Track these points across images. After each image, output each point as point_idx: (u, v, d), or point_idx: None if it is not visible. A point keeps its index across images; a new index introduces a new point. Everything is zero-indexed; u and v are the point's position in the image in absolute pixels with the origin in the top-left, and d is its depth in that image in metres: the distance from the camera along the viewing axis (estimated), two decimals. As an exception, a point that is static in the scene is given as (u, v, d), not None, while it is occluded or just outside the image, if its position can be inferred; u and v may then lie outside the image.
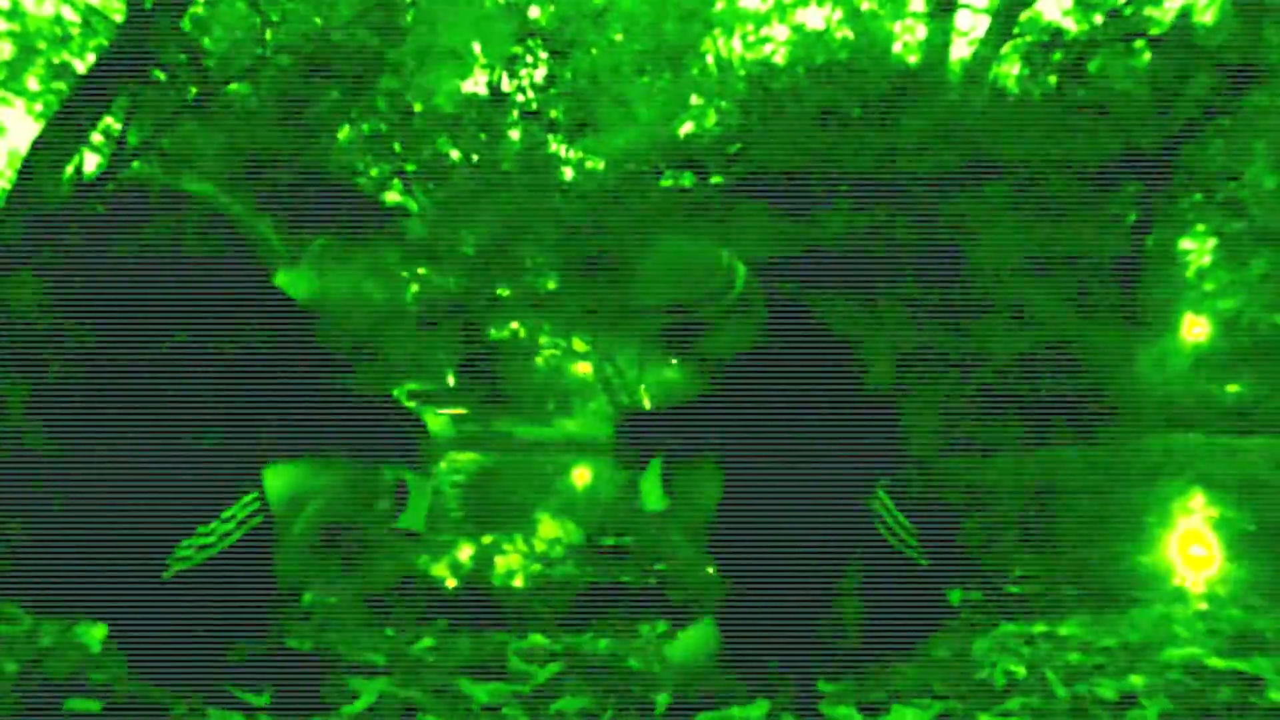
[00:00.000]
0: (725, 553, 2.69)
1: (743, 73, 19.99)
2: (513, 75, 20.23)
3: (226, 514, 2.25)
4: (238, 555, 2.25)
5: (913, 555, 2.53)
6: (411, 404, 2.76)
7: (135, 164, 12.39)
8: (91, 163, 13.72)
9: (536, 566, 5.85)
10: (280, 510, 2.31)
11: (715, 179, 17.09)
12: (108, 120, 13.55)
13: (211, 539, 2.24)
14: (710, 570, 2.83)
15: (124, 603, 2.27)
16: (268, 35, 14.06)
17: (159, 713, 2.18)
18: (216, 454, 2.30)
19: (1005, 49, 18.55)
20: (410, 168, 19.04)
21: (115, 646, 2.42)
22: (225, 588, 2.26)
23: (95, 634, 2.65)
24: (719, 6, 22.40)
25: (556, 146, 20.84)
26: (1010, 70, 18.59)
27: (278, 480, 2.33)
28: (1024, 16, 18.67)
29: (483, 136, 19.34)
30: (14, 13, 15.50)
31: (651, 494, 2.74)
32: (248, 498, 2.28)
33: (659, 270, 2.72)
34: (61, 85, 15.15)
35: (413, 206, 18.84)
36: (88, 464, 2.25)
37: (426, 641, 3.12)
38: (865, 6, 21.97)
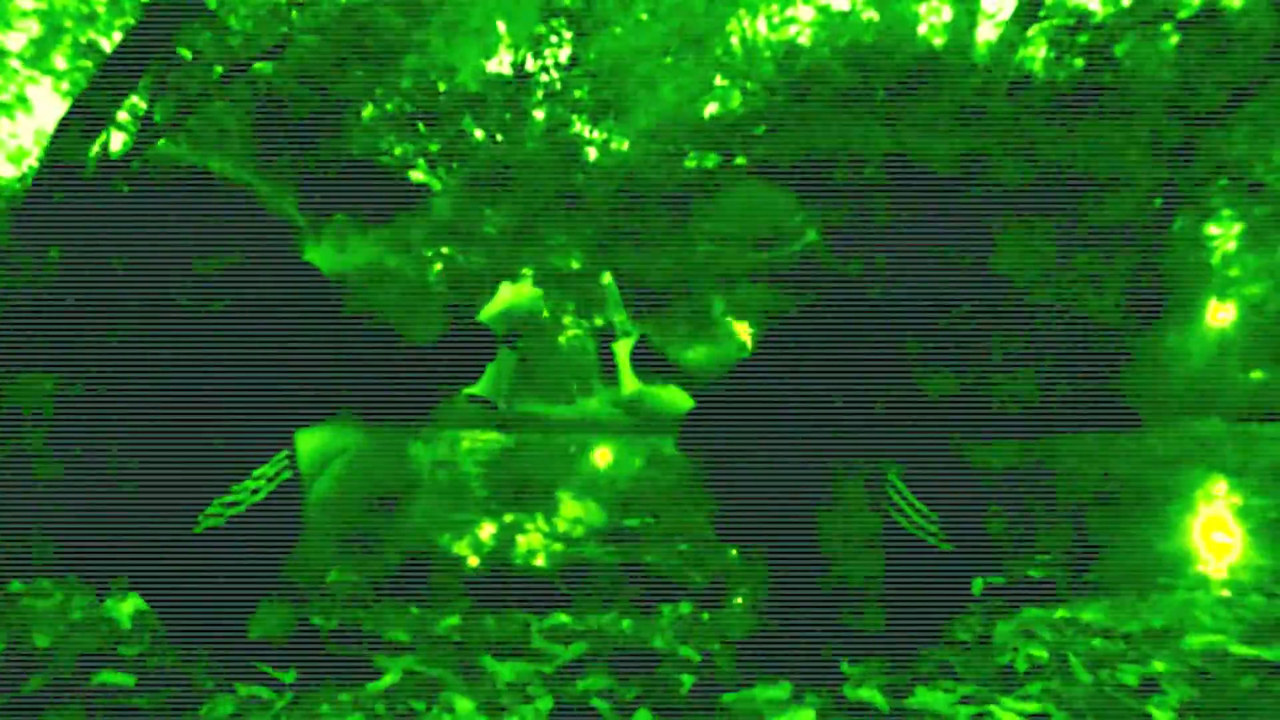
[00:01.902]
0: (748, 535, 2.69)
1: (768, 54, 19.94)
2: (537, 55, 20.23)
3: (257, 472, 2.30)
4: (266, 515, 2.29)
5: (931, 540, 2.52)
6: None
7: (161, 142, 12.45)
8: (118, 141, 13.79)
9: (558, 546, 5.87)
10: (308, 470, 2.36)
11: (739, 160, 17.04)
12: (134, 99, 13.62)
13: (241, 497, 2.28)
14: (733, 553, 2.83)
15: (155, 563, 2.31)
16: (293, 14, 14.10)
17: (189, 687, 2.21)
18: (245, 423, 2.34)
19: (1031, 31, 18.44)
20: (434, 147, 19.06)
21: (150, 610, 2.46)
22: (253, 546, 2.30)
23: (125, 608, 2.68)
24: (744, -12, 22.33)
25: (580, 127, 20.84)
26: (1036, 53, 18.47)
27: (307, 442, 2.38)
28: (1050, -1, 18.58)
29: (507, 116, 19.34)
30: (42, -9, 15.55)
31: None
32: (278, 456, 2.32)
33: (734, 206, 2.71)
34: (88, 64, 15.20)
35: (436, 186, 18.84)
36: (119, 433, 2.29)
37: (451, 620, 3.14)
38: (891, -12, 21.87)
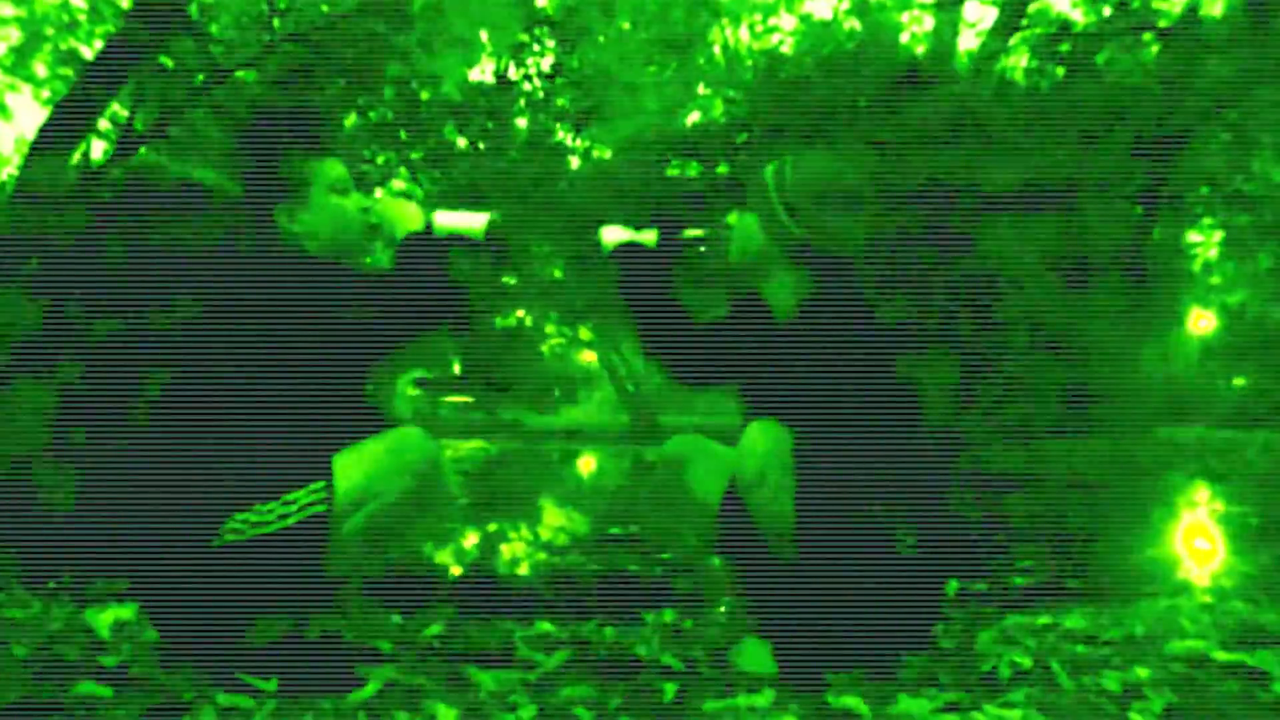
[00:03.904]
0: (742, 544, 2.68)
1: (750, 62, 19.96)
2: (520, 64, 20.22)
3: (289, 496, 2.29)
4: (286, 539, 2.29)
5: (899, 546, 2.50)
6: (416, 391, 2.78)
7: (142, 151, 12.41)
8: (98, 149, 13.75)
9: (542, 555, 5.86)
10: (344, 503, 2.35)
11: (722, 169, 17.06)
12: (115, 107, 13.57)
13: (269, 518, 2.27)
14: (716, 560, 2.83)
15: (162, 574, 2.30)
16: (274, 22, 14.07)
17: (169, 698, 2.20)
18: (241, 436, 2.34)
19: (1013, 40, 18.50)
20: (416, 155, 19.04)
21: (129, 620, 2.44)
22: (267, 568, 2.29)
23: (105, 618, 2.67)
24: (726, -4, 22.35)
25: (563, 135, 20.84)
26: (1018, 62, 18.53)
27: (346, 473, 2.37)
28: (1032, 8, 18.63)
29: (489, 125, 19.32)
30: (22, -2, 15.49)
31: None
32: (315, 485, 2.32)
33: (805, 181, 2.68)
34: (69, 71, 15.13)
35: (418, 194, 18.79)
36: (118, 447, 2.29)
37: (434, 629, 3.13)
38: (873, -3, 21.91)
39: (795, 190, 2.67)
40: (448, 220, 2.68)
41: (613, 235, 2.85)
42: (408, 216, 2.66)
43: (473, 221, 2.69)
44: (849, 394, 2.53)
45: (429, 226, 2.65)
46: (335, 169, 2.67)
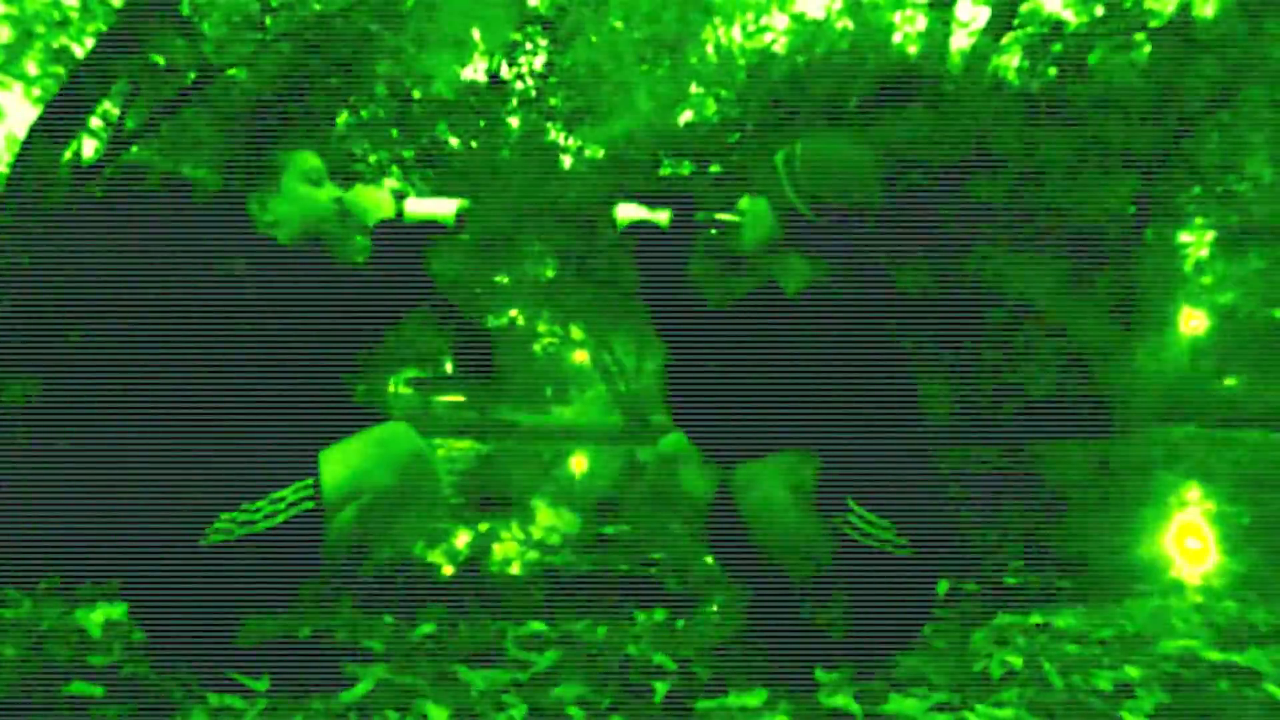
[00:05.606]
0: (726, 540, 2.68)
1: (742, 62, 19.97)
2: (512, 62, 20.21)
3: (276, 495, 2.28)
4: (275, 538, 2.28)
5: (893, 549, 2.48)
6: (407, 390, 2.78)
7: (133, 149, 12.38)
8: (90, 148, 13.71)
9: (534, 554, 5.85)
10: (331, 499, 2.35)
11: (714, 168, 17.07)
12: (106, 105, 13.54)
13: (256, 517, 2.27)
14: (709, 559, 2.82)
15: (147, 573, 2.30)
16: (267, 21, 14.04)
17: (159, 697, 2.19)
18: (227, 434, 2.33)
19: (1005, 40, 18.53)
20: (408, 154, 19.01)
21: (120, 620, 2.43)
22: (256, 567, 2.29)
23: (96, 617, 2.66)
24: (718, -4, 22.37)
25: (555, 134, 20.84)
26: (1010, 62, 18.56)
27: (333, 469, 2.37)
28: (1024, 8, 18.67)
29: (482, 124, 19.30)
30: (13, -4, 15.46)
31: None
32: (302, 483, 2.31)
33: (814, 163, 2.64)
34: (60, 69, 15.10)
35: (411, 193, 18.71)
36: (93, 448, 2.28)
37: (425, 628, 3.12)
38: (865, -4, 21.90)
39: (807, 174, 2.64)
40: (418, 207, 2.67)
41: (627, 213, 2.82)
42: (379, 205, 2.66)
43: (444, 208, 2.68)
44: (850, 387, 2.53)
45: (400, 214, 2.65)
46: (310, 159, 2.67)
